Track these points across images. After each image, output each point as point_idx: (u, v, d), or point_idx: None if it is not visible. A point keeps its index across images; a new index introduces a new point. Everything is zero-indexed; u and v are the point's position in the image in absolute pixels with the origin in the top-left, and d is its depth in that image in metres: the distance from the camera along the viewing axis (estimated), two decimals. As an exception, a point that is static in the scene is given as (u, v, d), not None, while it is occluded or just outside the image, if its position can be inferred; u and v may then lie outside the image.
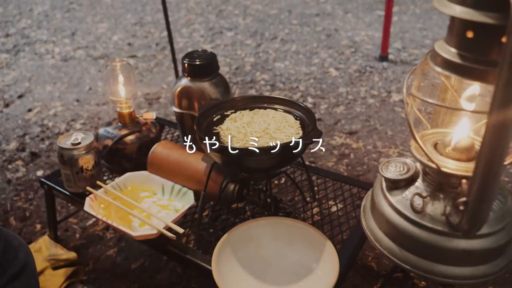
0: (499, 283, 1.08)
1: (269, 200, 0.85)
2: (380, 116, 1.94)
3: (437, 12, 3.30)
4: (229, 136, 0.81)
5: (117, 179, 0.94)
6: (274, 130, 0.81)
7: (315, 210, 0.94)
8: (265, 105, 0.92)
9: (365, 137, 1.78)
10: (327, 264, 0.71)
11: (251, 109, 0.91)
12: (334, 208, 0.94)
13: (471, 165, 0.51)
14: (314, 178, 1.04)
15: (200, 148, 0.88)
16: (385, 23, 2.41)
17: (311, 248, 0.75)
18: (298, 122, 0.85)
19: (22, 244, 0.64)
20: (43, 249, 1.15)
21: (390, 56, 2.55)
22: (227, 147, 0.77)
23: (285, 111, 0.89)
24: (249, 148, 0.75)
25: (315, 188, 1.00)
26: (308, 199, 0.95)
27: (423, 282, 1.09)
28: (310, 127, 0.81)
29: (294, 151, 0.75)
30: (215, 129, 0.85)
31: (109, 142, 1.00)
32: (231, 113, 0.90)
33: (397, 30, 2.98)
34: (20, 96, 2.25)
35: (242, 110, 0.91)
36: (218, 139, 0.81)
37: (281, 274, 0.75)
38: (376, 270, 1.15)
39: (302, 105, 0.88)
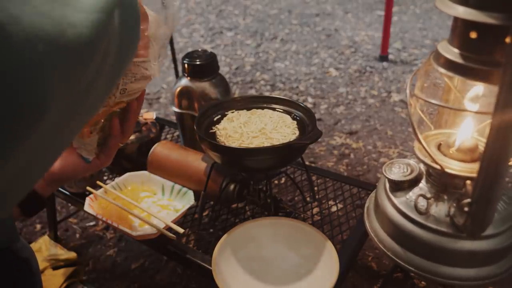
0: (499, 281, 1.08)
1: (269, 200, 0.84)
2: (380, 116, 1.94)
3: (437, 12, 3.30)
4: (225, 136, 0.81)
5: (117, 179, 0.94)
6: (270, 130, 0.81)
7: (315, 210, 0.94)
8: (265, 105, 0.91)
9: (365, 137, 1.78)
10: (327, 264, 0.71)
11: (249, 109, 0.91)
12: (334, 208, 0.94)
13: (475, 166, 0.51)
14: (314, 178, 1.03)
15: (200, 148, 0.88)
16: (385, 23, 2.41)
17: (311, 248, 0.75)
18: (295, 122, 0.85)
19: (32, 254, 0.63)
20: (43, 249, 1.15)
21: (390, 56, 2.55)
22: (227, 147, 0.76)
23: (285, 111, 0.89)
24: (249, 147, 0.75)
25: (315, 188, 1.00)
26: (308, 199, 0.95)
27: (422, 282, 1.09)
28: (310, 127, 0.81)
29: (293, 151, 0.75)
30: (212, 129, 0.84)
31: (109, 142, 0.99)
32: (231, 113, 0.90)
33: (397, 30, 2.98)
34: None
35: (240, 110, 0.90)
36: (214, 138, 0.81)
37: (281, 274, 0.75)
38: (376, 270, 1.15)
39: (302, 105, 0.87)
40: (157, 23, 0.46)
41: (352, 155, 1.66)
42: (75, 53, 0.25)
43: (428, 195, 0.58)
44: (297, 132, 0.81)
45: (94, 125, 0.52)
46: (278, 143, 0.76)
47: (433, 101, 0.56)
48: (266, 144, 0.77)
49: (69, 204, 1.39)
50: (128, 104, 0.53)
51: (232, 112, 0.89)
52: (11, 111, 0.22)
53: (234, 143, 0.78)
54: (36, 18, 0.22)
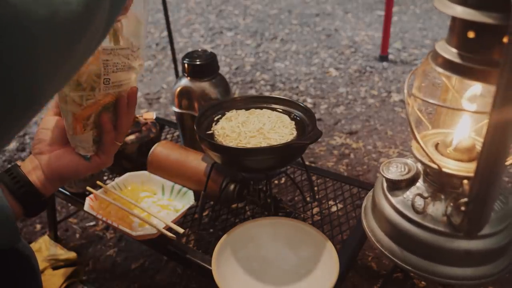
0: (498, 281, 1.08)
1: (269, 200, 0.85)
2: (380, 116, 1.94)
3: (437, 12, 3.30)
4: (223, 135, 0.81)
5: (117, 179, 0.94)
6: (268, 130, 0.81)
7: (315, 210, 0.94)
8: (265, 105, 0.92)
9: (365, 137, 1.78)
10: (327, 264, 0.71)
11: (247, 108, 0.91)
12: (334, 208, 0.94)
13: (472, 166, 0.51)
14: (314, 178, 1.04)
15: (200, 148, 0.88)
16: (385, 23, 2.41)
17: (311, 248, 0.75)
18: (293, 122, 0.85)
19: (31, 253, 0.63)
20: (43, 249, 1.15)
21: (390, 56, 2.55)
22: (227, 146, 0.76)
23: (284, 111, 0.89)
24: (249, 147, 0.75)
25: (315, 188, 1.00)
26: (308, 199, 0.95)
27: (422, 282, 1.09)
28: (310, 127, 0.81)
29: (293, 151, 0.75)
30: (210, 129, 0.85)
31: (109, 142, 1.00)
32: (230, 113, 0.90)
33: (397, 30, 2.98)
34: (19, 96, 2.24)
35: (239, 110, 0.90)
36: (213, 138, 0.81)
37: (281, 274, 0.75)
38: (376, 270, 1.15)
39: (302, 105, 0.88)
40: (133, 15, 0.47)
41: (352, 155, 1.66)
42: (68, 32, 0.24)
43: (425, 195, 0.58)
44: (295, 132, 0.81)
45: (86, 121, 0.52)
46: (275, 143, 0.76)
47: (430, 101, 0.56)
48: (264, 144, 0.77)
49: (69, 204, 1.40)
50: (118, 100, 0.53)
51: (231, 112, 0.90)
52: (4, 98, 0.22)
53: (231, 143, 0.78)
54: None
